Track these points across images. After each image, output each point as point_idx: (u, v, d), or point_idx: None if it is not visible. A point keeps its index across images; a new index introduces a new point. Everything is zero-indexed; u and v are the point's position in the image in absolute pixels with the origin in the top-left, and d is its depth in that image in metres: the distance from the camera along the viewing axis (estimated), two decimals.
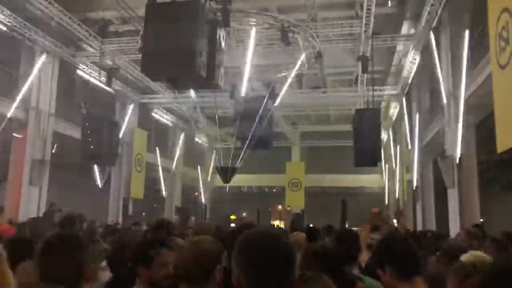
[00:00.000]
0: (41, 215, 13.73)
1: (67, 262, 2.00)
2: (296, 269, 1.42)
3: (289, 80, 16.04)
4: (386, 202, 25.03)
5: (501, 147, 6.65)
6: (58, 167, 15.71)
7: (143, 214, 19.97)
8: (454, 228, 10.72)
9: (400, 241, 2.36)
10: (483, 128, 11.47)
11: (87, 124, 14.74)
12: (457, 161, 11.18)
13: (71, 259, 2.01)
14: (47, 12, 12.71)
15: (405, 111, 17.99)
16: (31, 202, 13.93)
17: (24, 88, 14.04)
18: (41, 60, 14.52)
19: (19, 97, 13.80)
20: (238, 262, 1.39)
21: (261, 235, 1.45)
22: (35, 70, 14.35)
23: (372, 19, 12.38)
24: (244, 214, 25.67)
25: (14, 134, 14.36)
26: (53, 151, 15.72)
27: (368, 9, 11.85)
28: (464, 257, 2.38)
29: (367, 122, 13.71)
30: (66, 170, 17.36)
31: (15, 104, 13.62)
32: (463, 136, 11.04)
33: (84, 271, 2.04)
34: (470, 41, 10.29)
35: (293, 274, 1.39)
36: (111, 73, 16.12)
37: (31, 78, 14.20)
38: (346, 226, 14.36)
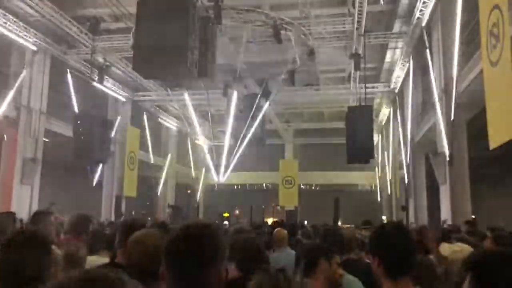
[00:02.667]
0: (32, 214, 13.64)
1: (27, 261, 1.84)
2: (219, 259, 1.43)
3: (282, 77, 16.04)
4: (379, 199, 25.18)
5: (493, 143, 6.69)
6: (50, 165, 15.61)
7: (132, 212, 19.84)
8: (446, 224, 10.78)
9: (395, 235, 2.12)
10: (474, 125, 11.54)
11: (79, 122, 14.63)
12: (449, 157, 11.25)
13: (32, 259, 1.86)
14: (38, 9, 12.60)
15: (397, 108, 18.07)
16: (22, 201, 13.82)
17: (15, 86, 13.92)
18: (32, 57, 14.40)
19: (10, 95, 13.68)
20: (163, 258, 1.44)
21: (182, 231, 1.46)
22: (26, 68, 14.23)
23: (364, 17, 12.40)
24: (237, 212, 25.68)
25: (5, 133, 14.24)
26: (45, 149, 15.62)
27: (360, 7, 11.86)
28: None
29: (359, 119, 13.75)
30: (59, 169, 17.25)
31: (5, 102, 13.50)
32: (454, 132, 11.10)
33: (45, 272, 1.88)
34: (461, 38, 10.34)
35: (213, 269, 1.41)
36: (103, 71, 16.03)
37: (22, 76, 14.08)
38: (339, 223, 14.41)
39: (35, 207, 14.10)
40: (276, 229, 5.46)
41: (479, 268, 1.35)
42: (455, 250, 3.84)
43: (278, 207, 25.31)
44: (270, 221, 19.41)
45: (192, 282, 1.39)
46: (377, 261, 2.06)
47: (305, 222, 15.75)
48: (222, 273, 1.44)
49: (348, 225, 12.95)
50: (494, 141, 6.65)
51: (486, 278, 1.31)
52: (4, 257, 1.84)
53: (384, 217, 21.09)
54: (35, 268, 1.82)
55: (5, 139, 14.39)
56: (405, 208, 15.91)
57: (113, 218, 16.58)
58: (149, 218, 20.94)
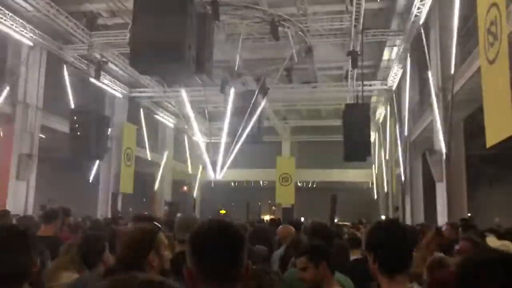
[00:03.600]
0: (29, 210, 13.60)
1: (8, 258, 1.72)
2: (244, 257, 1.47)
3: (279, 74, 16.02)
4: (375, 196, 25.22)
5: (490, 141, 6.70)
6: (46, 161, 15.55)
7: (130, 209, 19.84)
8: (442, 222, 10.81)
9: (391, 232, 2.11)
10: (471, 123, 11.58)
11: (75, 118, 14.57)
12: (446, 155, 11.27)
13: (11, 255, 1.74)
14: (35, 4, 12.52)
15: (394, 106, 18.09)
16: (18, 197, 13.77)
17: (11, 82, 13.85)
18: (28, 53, 14.32)
19: (5, 91, 13.60)
20: (189, 255, 1.46)
21: (208, 227, 1.49)
22: (22, 64, 14.16)
23: (362, 14, 12.39)
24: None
25: (1, 128, 14.18)
26: (41, 145, 15.57)
27: (358, 4, 11.85)
28: None
29: (356, 117, 13.75)
30: (55, 165, 17.20)
31: (1, 98, 13.42)
32: (451, 130, 11.12)
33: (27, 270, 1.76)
34: (459, 36, 10.35)
35: (240, 262, 1.45)
36: (100, 67, 15.96)
37: (18, 72, 14.00)
38: (335, 220, 14.42)
39: (31, 203, 14.07)
40: (281, 226, 5.63)
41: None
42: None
43: (273, 208, 25.38)
44: (266, 218, 19.46)
45: (228, 270, 1.42)
46: (372, 258, 2.05)
47: (302, 219, 15.77)
48: (248, 265, 1.49)
49: (347, 223, 13.00)
50: (491, 139, 6.67)
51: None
52: None
53: (383, 216, 21.11)
54: (12, 266, 1.70)
55: (1, 135, 14.33)
56: (398, 209, 15.96)
57: (109, 215, 16.55)
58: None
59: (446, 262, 3.08)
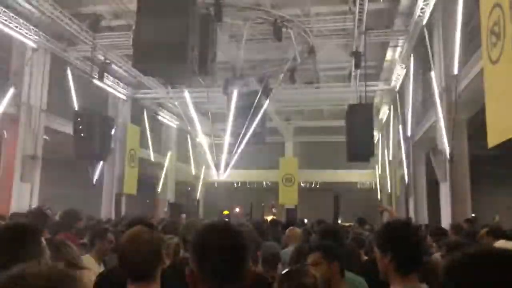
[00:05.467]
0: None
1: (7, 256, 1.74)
2: (248, 258, 1.48)
3: (282, 75, 16.02)
4: (379, 197, 25.17)
5: (491, 141, 6.68)
6: (50, 163, 15.60)
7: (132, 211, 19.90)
8: (446, 222, 10.79)
9: (407, 232, 2.19)
10: (475, 123, 11.53)
11: (79, 119, 14.61)
12: (449, 156, 11.24)
13: (11, 253, 1.75)
14: (38, 6, 12.58)
15: (397, 106, 18.06)
16: (22, 199, 13.83)
17: (15, 84, 13.91)
18: (32, 55, 14.39)
19: (10, 93, 13.67)
20: (191, 256, 1.46)
21: (210, 228, 1.51)
22: (26, 65, 14.22)
23: (365, 15, 12.38)
24: (237, 210, 25.70)
25: (6, 130, 14.24)
26: (45, 147, 15.63)
27: (361, 4, 11.83)
28: None
29: (359, 117, 13.72)
30: (59, 166, 17.25)
31: (6, 100, 13.49)
32: (455, 131, 11.10)
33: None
34: (462, 36, 10.33)
35: (243, 263, 1.46)
36: (103, 68, 16.01)
37: (22, 73, 14.07)
38: (339, 221, 14.41)
39: (35, 204, 14.11)
40: (289, 228, 5.79)
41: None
42: None
43: (274, 209, 25.34)
44: (269, 218, 19.47)
45: (231, 274, 1.43)
46: (389, 257, 2.08)
47: (305, 220, 15.76)
48: (251, 267, 1.47)
49: (348, 224, 12.97)
50: (493, 139, 6.65)
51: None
52: None
53: (385, 218, 21.05)
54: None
55: (5, 136, 14.39)
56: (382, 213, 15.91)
57: (113, 216, 16.59)
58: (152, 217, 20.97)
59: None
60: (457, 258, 1.12)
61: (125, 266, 2.20)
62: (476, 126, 11.19)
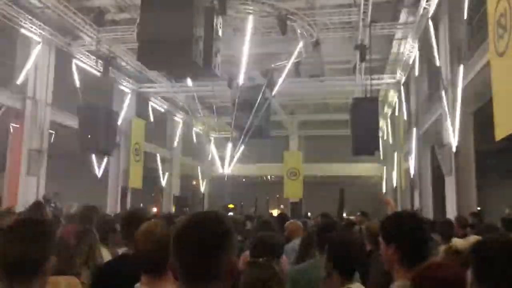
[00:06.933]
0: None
1: (27, 251, 1.73)
2: (225, 254, 1.38)
3: (287, 68, 15.97)
4: (384, 190, 25.13)
5: (499, 134, 6.65)
6: (56, 157, 15.68)
7: (141, 204, 20.00)
8: (451, 216, 10.76)
9: (412, 223, 2.16)
10: (481, 116, 11.45)
11: (84, 113, 14.67)
12: (455, 149, 11.20)
13: (31, 247, 1.74)
14: (43, 0, 12.59)
15: (403, 100, 17.98)
16: (29, 192, 13.91)
17: (21, 78, 13.96)
18: (37, 49, 14.43)
19: (15, 87, 13.72)
20: (171, 248, 1.40)
21: (189, 220, 1.42)
22: (31, 60, 14.26)
23: (370, 7, 12.30)
24: (242, 203, 25.73)
25: (12, 124, 14.31)
26: (51, 141, 15.70)
27: None
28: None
29: (365, 111, 13.69)
30: (64, 160, 17.33)
31: (11, 94, 13.54)
32: (460, 124, 11.04)
33: (45, 263, 1.76)
34: (468, 29, 10.25)
35: (218, 260, 1.36)
36: (108, 62, 16.03)
37: (27, 68, 14.11)
38: (344, 215, 14.40)
39: (41, 198, 14.20)
40: (289, 222, 5.79)
41: (479, 255, 1.37)
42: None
43: (277, 208, 25.35)
44: (275, 212, 19.51)
45: (201, 270, 1.35)
46: (393, 249, 2.06)
47: (309, 214, 15.79)
48: (232, 262, 1.40)
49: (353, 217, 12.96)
50: (501, 131, 6.61)
51: (484, 264, 1.32)
52: (8, 245, 1.74)
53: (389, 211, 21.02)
54: (37, 256, 1.75)
55: (11, 131, 14.47)
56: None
57: (119, 210, 16.68)
58: (154, 209, 21.06)
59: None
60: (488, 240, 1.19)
61: (139, 258, 2.26)
62: (482, 119, 11.12)
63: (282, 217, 7.22)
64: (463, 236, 5.93)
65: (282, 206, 25.87)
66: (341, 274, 2.68)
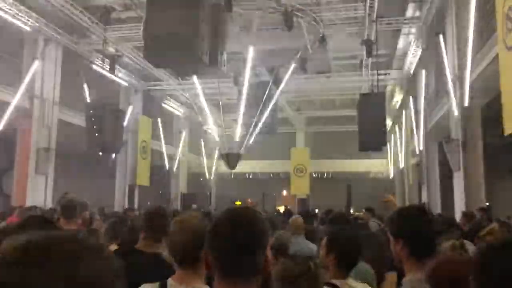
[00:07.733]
0: (48, 203, 13.83)
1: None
2: (264, 248, 1.39)
3: (293, 65, 15.92)
4: (391, 187, 25.03)
5: (508, 128, 6.59)
6: (64, 155, 15.77)
7: (148, 202, 20.06)
8: (460, 212, 10.70)
9: (421, 217, 2.14)
10: (489, 111, 11.36)
11: (91, 111, 14.74)
12: (463, 144, 11.12)
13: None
14: None
15: (410, 95, 17.87)
16: (37, 191, 14.03)
17: (28, 77, 14.04)
18: (44, 48, 14.49)
19: (23, 86, 13.79)
20: (206, 242, 1.41)
21: (226, 215, 1.43)
22: (38, 58, 14.33)
23: (376, 2, 12.22)
24: (249, 200, 25.76)
25: (20, 123, 14.41)
26: (58, 139, 15.77)
27: None
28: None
29: (371, 106, 13.63)
30: (72, 159, 17.42)
31: (19, 93, 13.62)
32: (468, 118, 10.96)
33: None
34: (476, 22, 10.15)
35: (258, 253, 1.37)
36: (115, 61, 16.07)
37: (34, 67, 14.19)
38: (351, 211, 14.39)
39: (50, 197, 14.31)
40: (292, 217, 5.75)
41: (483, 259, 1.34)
42: None
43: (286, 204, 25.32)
44: (281, 209, 19.52)
45: (238, 266, 1.35)
46: (401, 243, 2.06)
47: (316, 210, 15.77)
48: (267, 259, 1.40)
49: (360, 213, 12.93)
50: (509, 126, 6.56)
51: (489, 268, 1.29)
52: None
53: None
54: None
55: (19, 130, 14.57)
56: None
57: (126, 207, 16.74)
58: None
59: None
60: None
61: (174, 252, 2.29)
62: (490, 113, 11.02)
63: (288, 213, 7.24)
64: None
65: (288, 206, 25.85)
66: (339, 268, 2.65)
